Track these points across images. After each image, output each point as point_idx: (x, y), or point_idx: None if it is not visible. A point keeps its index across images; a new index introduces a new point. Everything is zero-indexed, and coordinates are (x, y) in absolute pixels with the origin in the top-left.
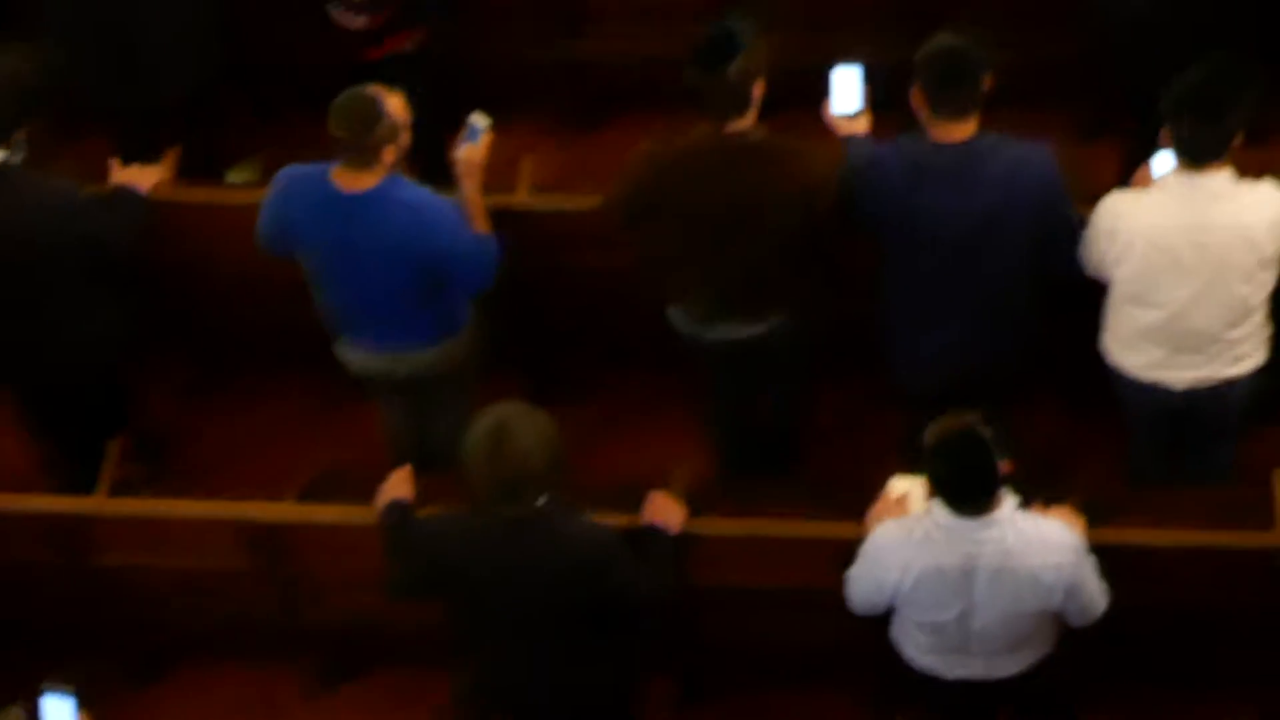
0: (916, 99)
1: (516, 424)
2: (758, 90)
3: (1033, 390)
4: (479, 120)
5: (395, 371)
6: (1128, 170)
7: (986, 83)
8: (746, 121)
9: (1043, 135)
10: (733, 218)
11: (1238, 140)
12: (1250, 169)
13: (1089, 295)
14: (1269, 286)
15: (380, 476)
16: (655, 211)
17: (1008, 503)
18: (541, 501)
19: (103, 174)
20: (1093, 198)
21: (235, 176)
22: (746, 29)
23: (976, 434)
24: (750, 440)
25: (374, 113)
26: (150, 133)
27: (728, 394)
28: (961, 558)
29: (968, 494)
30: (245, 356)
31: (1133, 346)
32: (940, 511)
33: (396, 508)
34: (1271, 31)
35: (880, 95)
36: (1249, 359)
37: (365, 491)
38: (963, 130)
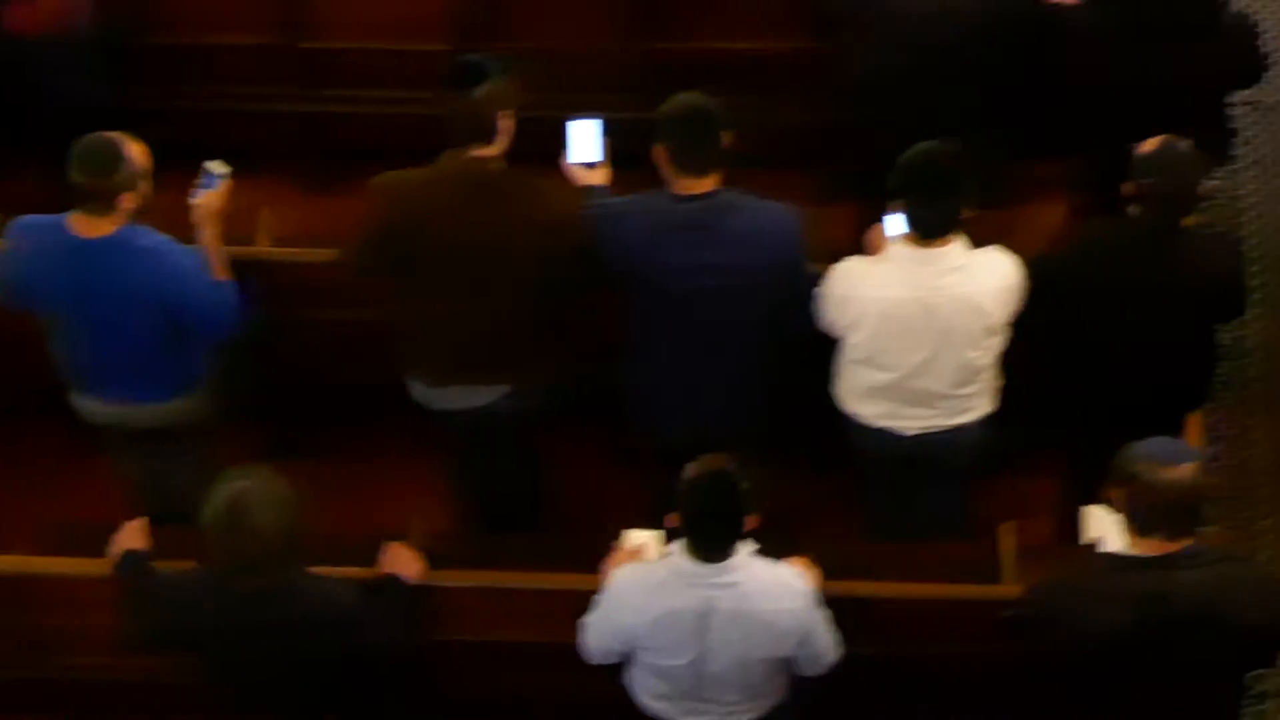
0: (659, 155)
1: (255, 498)
2: (505, 122)
3: (772, 445)
4: (216, 167)
5: (132, 422)
6: (861, 230)
7: (728, 140)
8: (491, 151)
9: (781, 196)
10: (470, 248)
11: (967, 213)
12: (986, 230)
13: (825, 353)
14: (997, 349)
15: (112, 528)
16: (392, 240)
17: (745, 548)
18: (281, 569)
19: None
20: (830, 257)
21: None
22: (496, 63)
23: (731, 478)
24: (490, 499)
25: (114, 158)
26: None
27: (464, 456)
28: (699, 601)
29: (714, 535)
30: None
31: (863, 400)
32: (680, 556)
33: (131, 559)
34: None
35: (620, 151)
36: (977, 409)
37: (102, 544)
38: (704, 185)
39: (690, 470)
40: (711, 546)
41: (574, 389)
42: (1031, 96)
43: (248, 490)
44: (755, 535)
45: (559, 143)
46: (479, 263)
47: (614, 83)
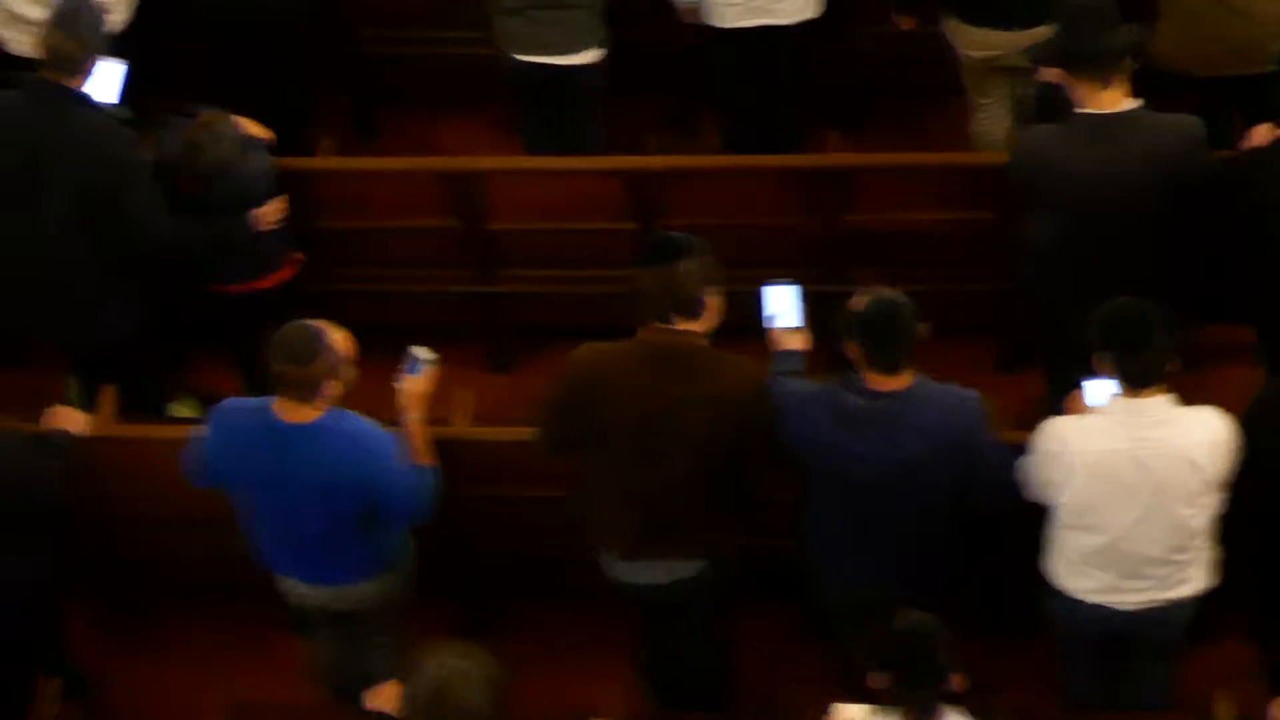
0: (851, 349)
1: (462, 680)
2: (711, 299)
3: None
4: (422, 353)
5: (332, 605)
6: (1053, 399)
7: (920, 333)
8: (697, 327)
9: (961, 364)
10: (657, 420)
11: (1173, 365)
12: (1186, 394)
13: (1009, 524)
14: (1212, 510)
15: (303, 708)
16: (584, 411)
17: (956, 715)
18: None
19: (53, 401)
20: (1015, 426)
21: (177, 410)
22: (694, 240)
23: (934, 631)
24: (677, 679)
25: (316, 346)
26: (96, 367)
27: (650, 632)
28: None
29: (921, 686)
30: (169, 590)
31: (1079, 571)
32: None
33: None
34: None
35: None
36: (1194, 581)
37: None
38: (897, 382)
39: (896, 624)
40: (920, 701)
41: (757, 564)
42: (1211, 256)
43: (454, 671)
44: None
45: (739, 315)
46: (665, 436)
47: (796, 256)
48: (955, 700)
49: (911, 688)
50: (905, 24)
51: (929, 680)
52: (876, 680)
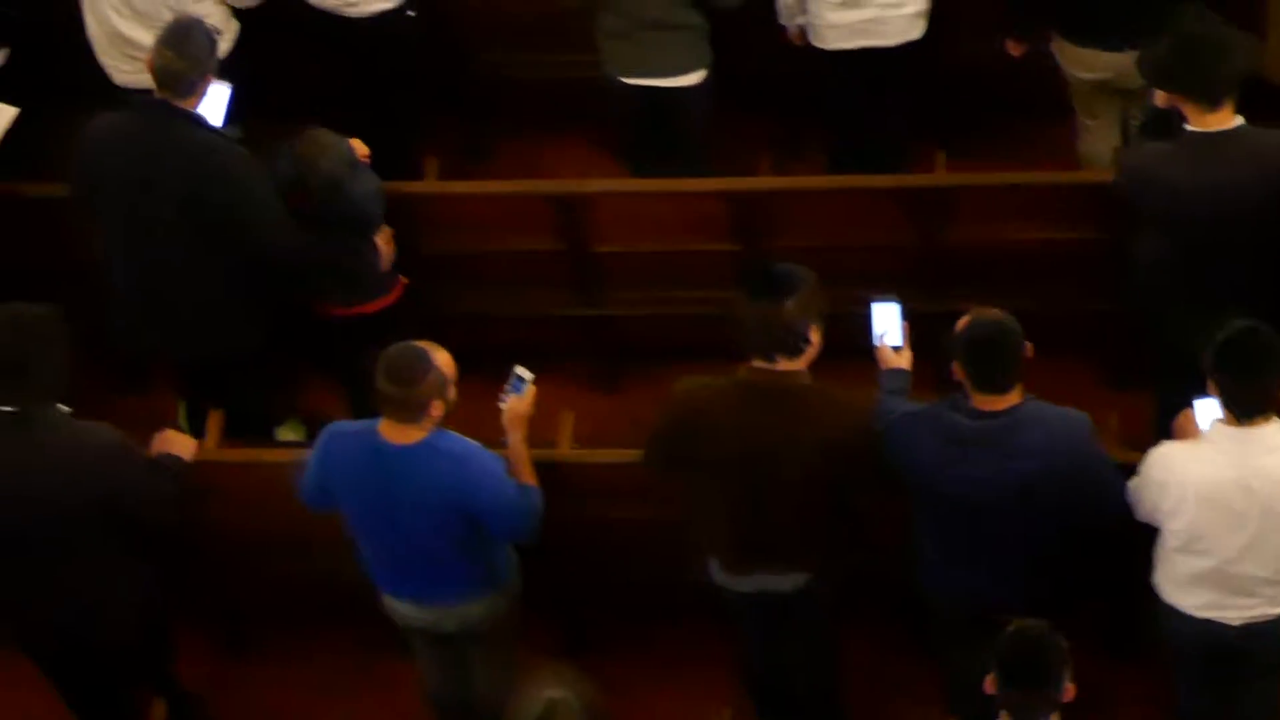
0: (958, 371)
1: (567, 708)
2: (815, 335)
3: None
4: (523, 372)
5: (441, 625)
6: (1164, 418)
7: (1027, 352)
8: (797, 365)
9: (1067, 384)
10: (759, 460)
11: None
12: None
13: (1121, 541)
14: None
15: None
16: (686, 446)
17: None
18: None
19: (165, 424)
20: (1124, 446)
21: (284, 434)
22: (802, 272)
23: (1048, 637)
24: (783, 694)
25: (422, 368)
26: (206, 388)
27: (758, 648)
28: None
29: (1033, 690)
30: (279, 614)
31: (1185, 589)
32: None
33: None
34: None
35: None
36: None
37: None
38: (1004, 401)
39: (1009, 630)
40: (1030, 706)
41: (860, 582)
42: None
43: (558, 703)
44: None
45: (841, 336)
46: (768, 476)
47: (900, 275)
48: (1065, 709)
49: (1023, 692)
50: (1015, 50)
51: (1041, 686)
52: (990, 684)
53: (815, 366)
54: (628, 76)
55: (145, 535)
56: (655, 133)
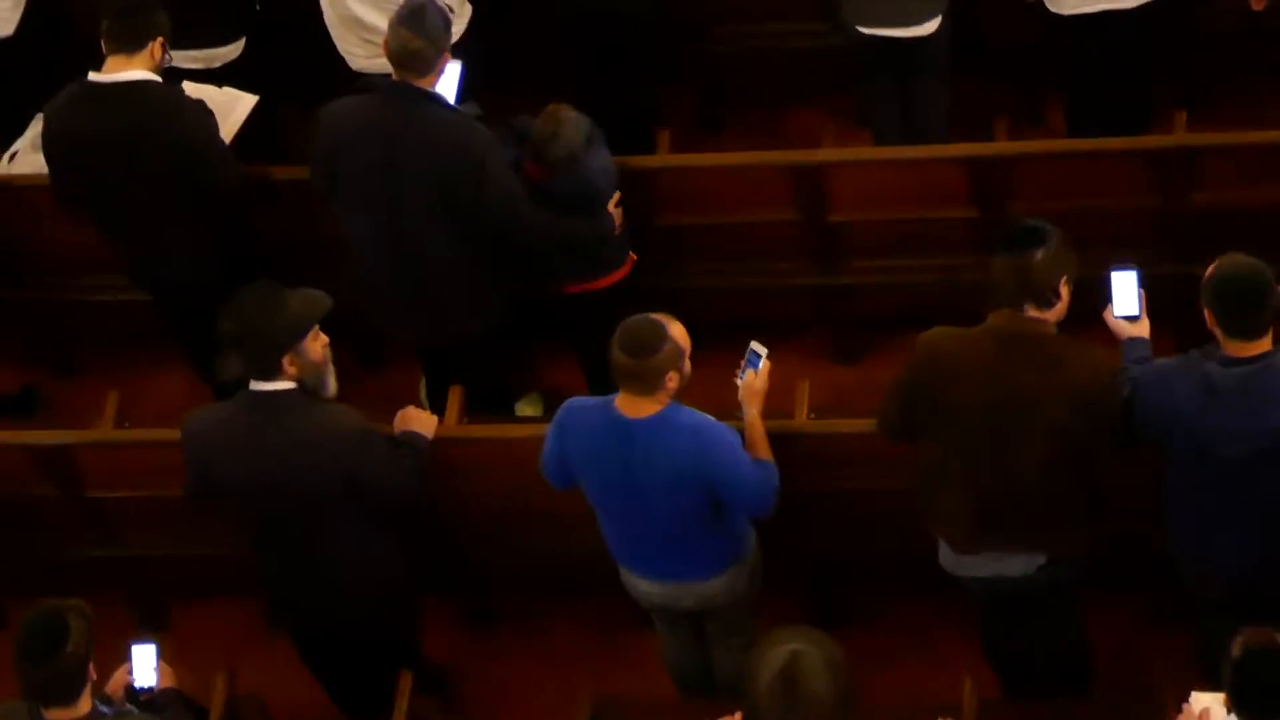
0: (1208, 317)
1: (810, 665)
2: (1064, 290)
3: None
4: (758, 348)
5: (680, 601)
6: None
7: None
8: (1048, 316)
9: None
10: (1002, 406)
11: None
12: None
13: None
14: None
15: (662, 704)
16: (932, 390)
17: None
18: None
19: (405, 401)
20: None
21: (524, 409)
22: (1051, 228)
23: None
24: (1030, 670)
25: (659, 339)
26: (446, 364)
27: (996, 624)
28: None
29: (1266, 713)
30: (521, 588)
31: None
32: None
33: None
34: None
35: (1157, 307)
36: None
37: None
38: (1256, 347)
39: (1238, 645)
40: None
41: (1104, 553)
42: None
43: (802, 655)
44: None
45: (1084, 301)
46: (1015, 422)
47: (1142, 238)
48: None
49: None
50: (1257, 4)
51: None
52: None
53: (1059, 330)
54: (868, 27)
55: (389, 514)
56: (896, 84)
